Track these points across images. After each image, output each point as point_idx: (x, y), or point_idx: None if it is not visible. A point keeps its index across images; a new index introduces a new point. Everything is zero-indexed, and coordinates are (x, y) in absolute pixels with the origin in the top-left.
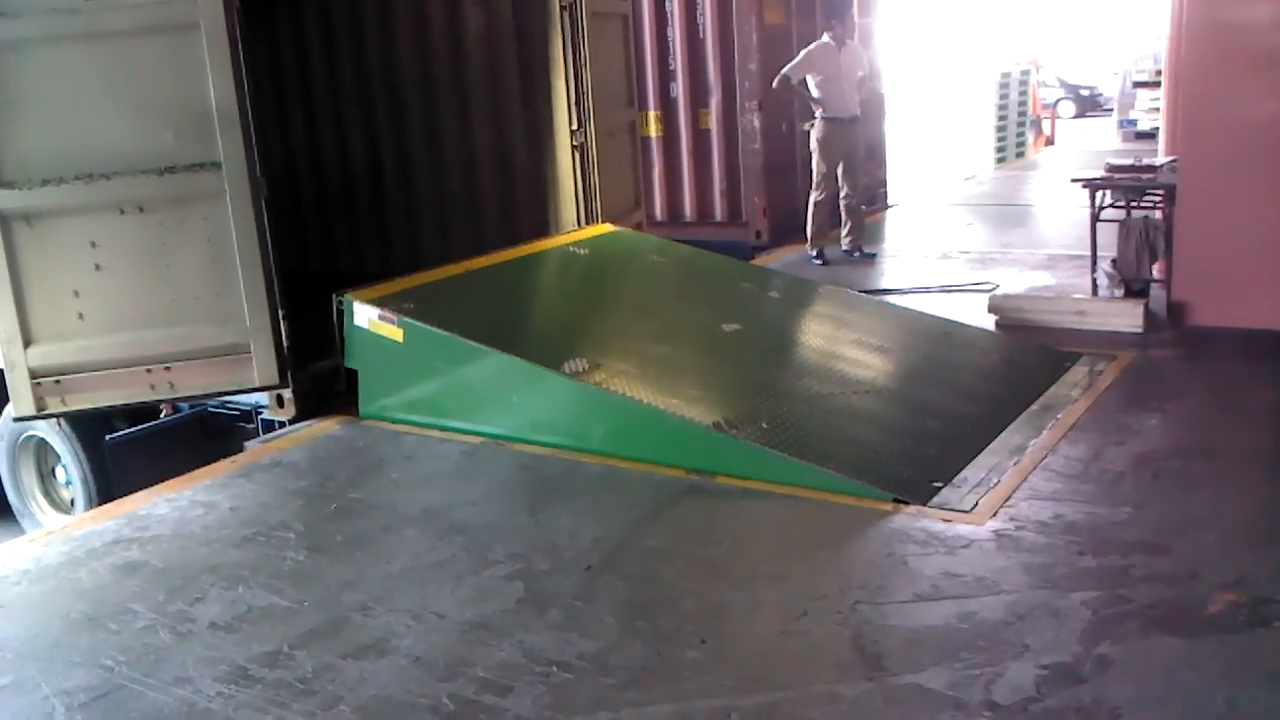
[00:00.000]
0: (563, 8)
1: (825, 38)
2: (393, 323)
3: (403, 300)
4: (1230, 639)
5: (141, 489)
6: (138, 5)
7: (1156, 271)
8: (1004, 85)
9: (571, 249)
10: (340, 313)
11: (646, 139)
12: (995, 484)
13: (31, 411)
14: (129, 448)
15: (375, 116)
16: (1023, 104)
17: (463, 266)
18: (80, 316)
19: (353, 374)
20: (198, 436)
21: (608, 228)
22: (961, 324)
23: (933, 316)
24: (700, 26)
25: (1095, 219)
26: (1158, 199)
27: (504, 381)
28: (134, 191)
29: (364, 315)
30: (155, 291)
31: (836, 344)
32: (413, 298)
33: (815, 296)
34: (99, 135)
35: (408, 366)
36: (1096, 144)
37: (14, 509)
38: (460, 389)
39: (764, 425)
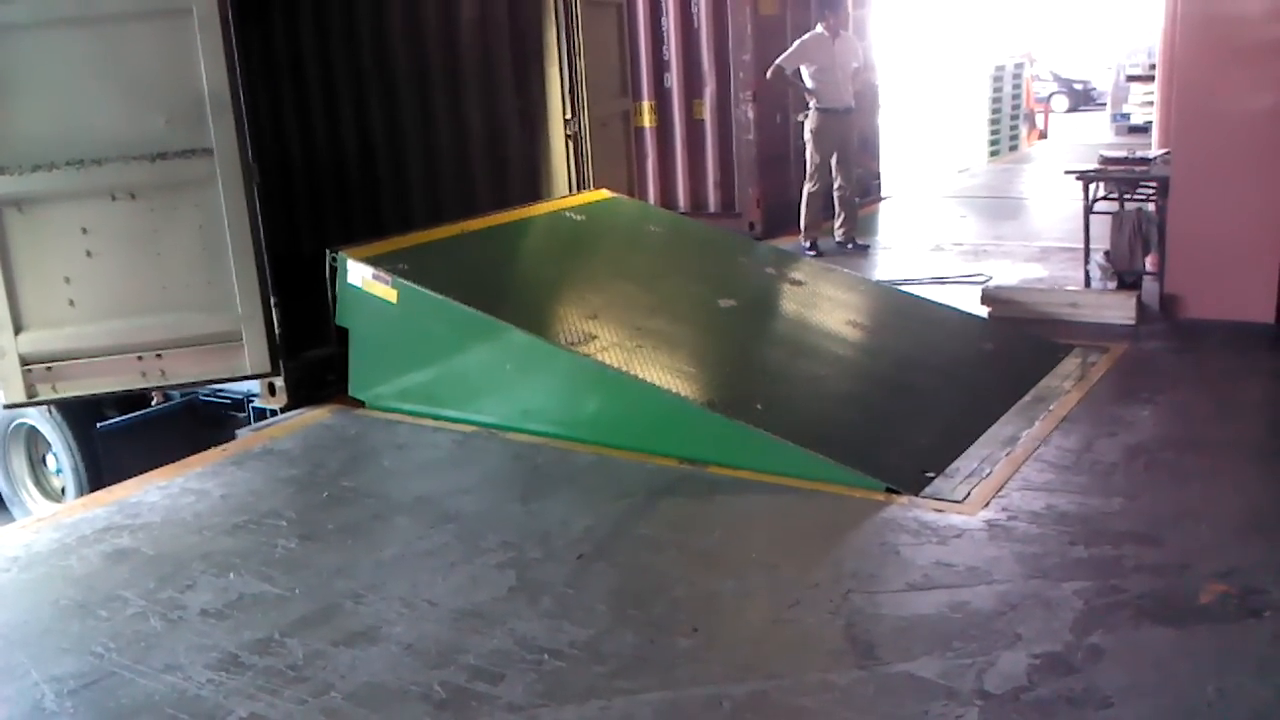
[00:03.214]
0: None
1: (820, 28)
2: (386, 283)
3: (397, 260)
4: (1221, 629)
5: (132, 478)
6: None
7: (1149, 264)
8: (997, 79)
9: (568, 214)
10: (333, 270)
11: (640, 129)
12: (988, 474)
13: (22, 399)
14: (120, 436)
15: (368, 104)
16: (1016, 97)
17: (459, 227)
18: (71, 303)
19: (343, 338)
20: (189, 425)
21: (605, 193)
22: (957, 311)
23: (928, 302)
24: (695, 16)
25: (1089, 211)
26: (1151, 191)
27: (497, 348)
28: (125, 177)
29: (358, 274)
30: (147, 278)
31: (832, 325)
32: (407, 258)
33: (812, 275)
34: (90, 120)
35: (400, 326)
36: (1089, 137)
37: (4, 497)
38: (452, 351)
39: (758, 407)
